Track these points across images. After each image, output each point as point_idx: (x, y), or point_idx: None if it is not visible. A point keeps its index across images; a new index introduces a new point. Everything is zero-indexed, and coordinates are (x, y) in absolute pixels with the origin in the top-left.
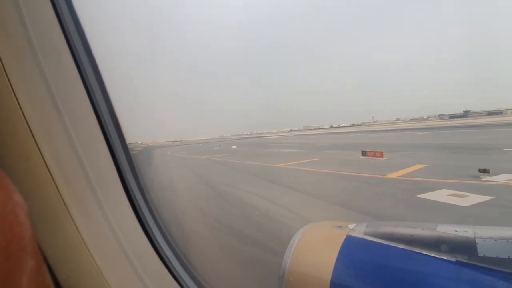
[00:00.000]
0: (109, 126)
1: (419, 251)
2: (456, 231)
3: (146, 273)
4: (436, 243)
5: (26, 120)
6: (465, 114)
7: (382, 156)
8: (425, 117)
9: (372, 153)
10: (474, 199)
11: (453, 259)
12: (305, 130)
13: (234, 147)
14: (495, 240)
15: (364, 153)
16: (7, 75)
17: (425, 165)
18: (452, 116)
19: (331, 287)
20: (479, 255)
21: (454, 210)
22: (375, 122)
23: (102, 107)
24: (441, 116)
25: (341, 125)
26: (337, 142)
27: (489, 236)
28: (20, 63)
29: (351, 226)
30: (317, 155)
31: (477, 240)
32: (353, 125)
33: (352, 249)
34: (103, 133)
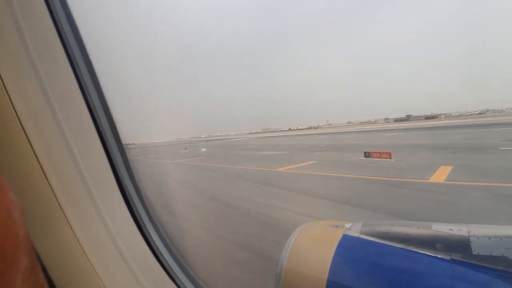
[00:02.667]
0: (104, 126)
1: (415, 250)
2: (450, 229)
3: (142, 273)
4: (431, 242)
5: (19, 119)
6: (407, 118)
7: (390, 158)
8: (372, 120)
9: (378, 154)
10: None
11: (448, 258)
12: (264, 132)
13: (203, 149)
14: (489, 239)
15: (367, 154)
16: (0, 75)
17: (451, 167)
18: (397, 120)
19: (327, 286)
20: (473, 253)
21: None
22: (330, 125)
23: (97, 107)
24: (386, 120)
25: (299, 128)
26: (316, 144)
27: (483, 234)
28: (13, 62)
29: (347, 225)
30: (310, 158)
31: (471, 239)
32: (310, 128)
33: (348, 248)
34: (98, 132)
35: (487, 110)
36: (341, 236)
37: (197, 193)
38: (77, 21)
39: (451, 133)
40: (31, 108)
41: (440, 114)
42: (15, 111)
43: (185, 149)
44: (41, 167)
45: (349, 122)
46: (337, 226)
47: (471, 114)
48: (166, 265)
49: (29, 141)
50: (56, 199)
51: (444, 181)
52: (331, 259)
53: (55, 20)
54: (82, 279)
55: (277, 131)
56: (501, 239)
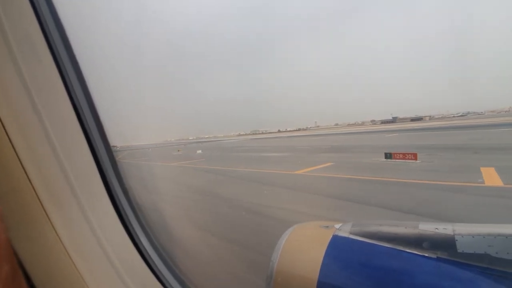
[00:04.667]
0: (91, 127)
1: (402, 249)
2: (436, 228)
3: (130, 277)
4: (418, 241)
5: (1, 120)
6: (394, 120)
7: (415, 159)
8: (359, 122)
9: (401, 155)
10: None
11: (434, 256)
12: (253, 134)
13: (199, 151)
14: (473, 237)
15: (389, 156)
16: None
17: (492, 168)
18: (384, 122)
19: (318, 286)
20: (458, 251)
21: None
22: (318, 126)
23: (84, 107)
24: (373, 122)
25: (288, 129)
26: (317, 145)
27: (467, 233)
28: None
29: (337, 225)
30: (322, 159)
31: (456, 237)
32: (299, 129)
33: (338, 248)
34: (85, 134)
35: (468, 113)
36: (331, 236)
37: (221, 201)
38: (62, 18)
39: (450, 134)
40: (14, 109)
41: (425, 116)
42: None
43: (178, 151)
44: (24, 170)
45: (336, 124)
46: (327, 226)
47: (453, 116)
48: (155, 269)
49: (11, 143)
50: (40, 202)
51: (505, 184)
52: (322, 260)
53: (39, 16)
54: (68, 285)
55: (267, 133)
56: (483, 237)
